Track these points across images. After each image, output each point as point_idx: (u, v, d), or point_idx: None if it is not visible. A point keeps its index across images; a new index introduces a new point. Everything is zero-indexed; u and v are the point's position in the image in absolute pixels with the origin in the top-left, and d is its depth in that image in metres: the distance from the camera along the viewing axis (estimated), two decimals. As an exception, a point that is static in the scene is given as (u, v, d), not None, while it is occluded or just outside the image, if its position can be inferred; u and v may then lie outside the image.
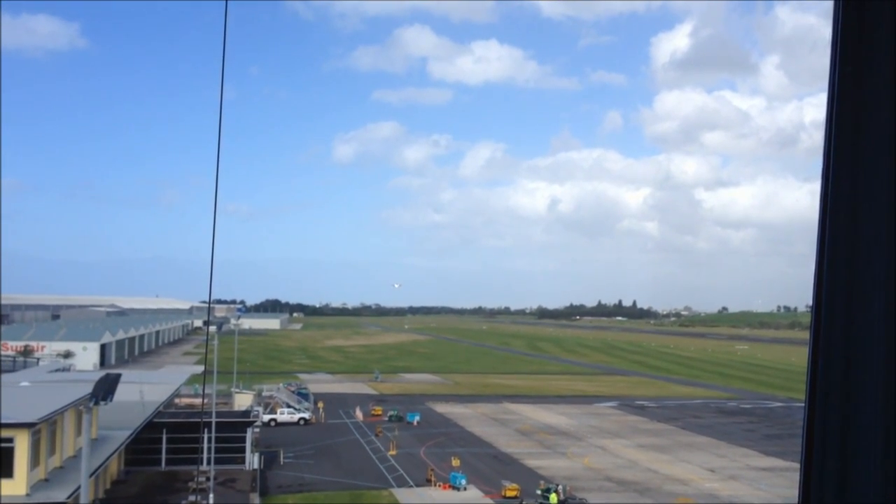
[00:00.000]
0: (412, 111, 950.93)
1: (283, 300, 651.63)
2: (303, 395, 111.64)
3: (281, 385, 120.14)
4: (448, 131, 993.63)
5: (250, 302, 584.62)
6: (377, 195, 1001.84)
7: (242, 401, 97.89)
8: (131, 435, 61.82)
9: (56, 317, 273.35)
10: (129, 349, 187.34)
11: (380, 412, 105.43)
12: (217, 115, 9.66)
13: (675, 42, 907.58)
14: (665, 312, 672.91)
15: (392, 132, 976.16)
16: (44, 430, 47.51)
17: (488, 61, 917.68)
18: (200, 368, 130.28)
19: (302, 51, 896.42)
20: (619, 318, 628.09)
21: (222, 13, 8.67)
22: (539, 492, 61.41)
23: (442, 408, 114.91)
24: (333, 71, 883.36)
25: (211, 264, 9.58)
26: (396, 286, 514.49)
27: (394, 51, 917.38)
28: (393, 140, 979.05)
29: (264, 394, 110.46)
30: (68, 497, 45.04)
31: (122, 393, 47.25)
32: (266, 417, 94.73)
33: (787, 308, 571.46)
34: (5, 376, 72.62)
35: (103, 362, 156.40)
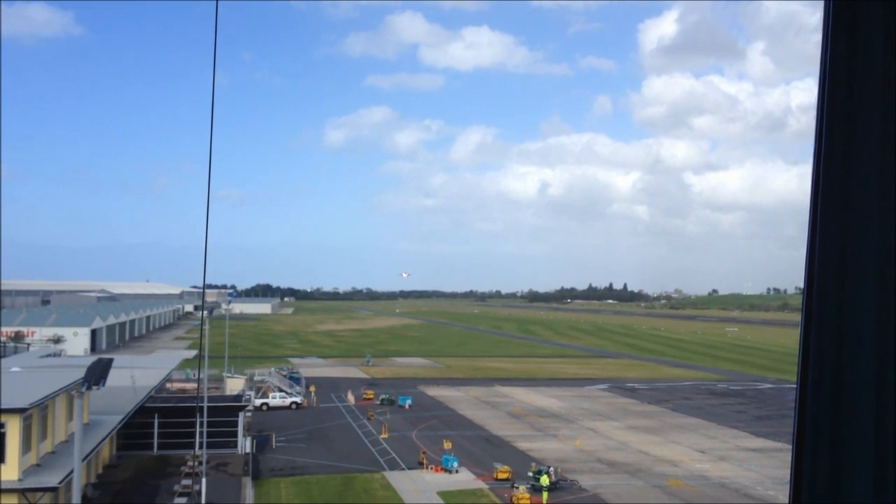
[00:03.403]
0: (404, 97, 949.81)
1: (275, 285, 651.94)
2: (294, 379, 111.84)
3: (273, 369, 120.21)
4: (439, 116, 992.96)
5: (241, 287, 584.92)
6: (369, 180, 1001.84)
7: (234, 385, 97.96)
8: (123, 420, 61.82)
9: (46, 302, 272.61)
10: (120, 334, 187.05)
11: (371, 396, 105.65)
12: (209, 101, 9.64)
13: (663, 28, 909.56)
14: (656, 295, 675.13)
15: (384, 117, 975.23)
16: (35, 415, 47.46)
17: (479, 47, 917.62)
18: (192, 353, 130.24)
19: (294, 37, 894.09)
20: (610, 301, 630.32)
21: (215, 3, 8.66)
22: (530, 474, 61.72)
23: (434, 391, 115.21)
24: (325, 57, 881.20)
25: (205, 249, 9.58)
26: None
27: (386, 37, 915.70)
28: (385, 125, 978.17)
29: (256, 378, 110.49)
30: (60, 482, 45.07)
31: (114, 378, 47.23)
32: (258, 402, 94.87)
33: (776, 290, 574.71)
34: (-4, 362, 72.38)
35: (94, 347, 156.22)
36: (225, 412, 73.32)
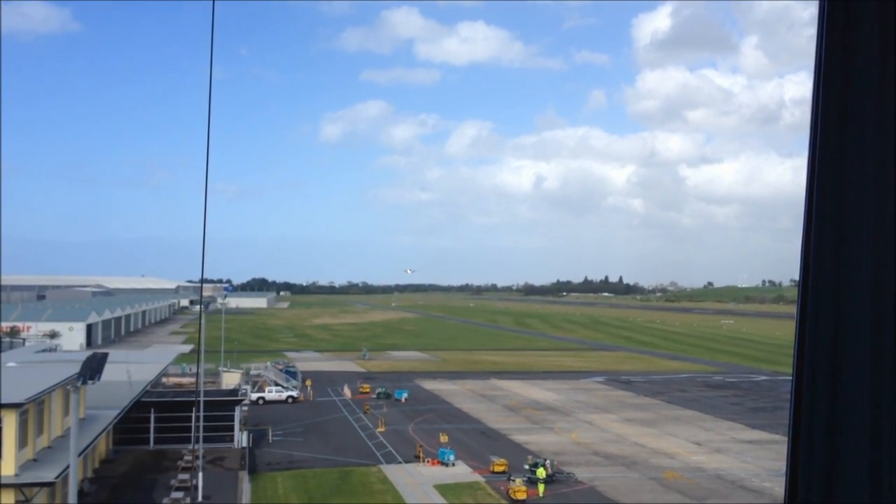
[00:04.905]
0: (400, 91, 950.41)
1: (270, 279, 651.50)
2: (291, 373, 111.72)
3: (269, 363, 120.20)
4: (435, 111, 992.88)
5: (237, 281, 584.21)
6: (364, 174, 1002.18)
7: (230, 379, 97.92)
8: (119, 414, 61.75)
9: (41, 297, 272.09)
10: (116, 329, 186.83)
11: (368, 389, 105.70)
12: (206, 96, 9.66)
13: (657, 23, 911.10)
14: (651, 288, 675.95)
15: (379, 112, 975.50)
16: (31, 410, 47.39)
17: (475, 42, 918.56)
18: (188, 348, 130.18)
19: (290, 33, 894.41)
20: (606, 293, 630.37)
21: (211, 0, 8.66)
22: (527, 466, 61.81)
23: (430, 384, 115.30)
24: (321, 52, 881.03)
25: (203, 244, 9.61)
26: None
27: (381, 32, 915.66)
28: (380, 119, 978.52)
29: (252, 372, 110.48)
30: (57, 477, 45.02)
31: (110, 373, 47.15)
32: (254, 396, 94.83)
33: (771, 283, 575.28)
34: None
35: (90, 342, 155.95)
36: (221, 406, 73.26)
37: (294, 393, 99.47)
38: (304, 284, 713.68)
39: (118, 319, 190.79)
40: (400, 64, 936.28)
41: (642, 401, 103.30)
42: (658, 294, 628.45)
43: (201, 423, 62.21)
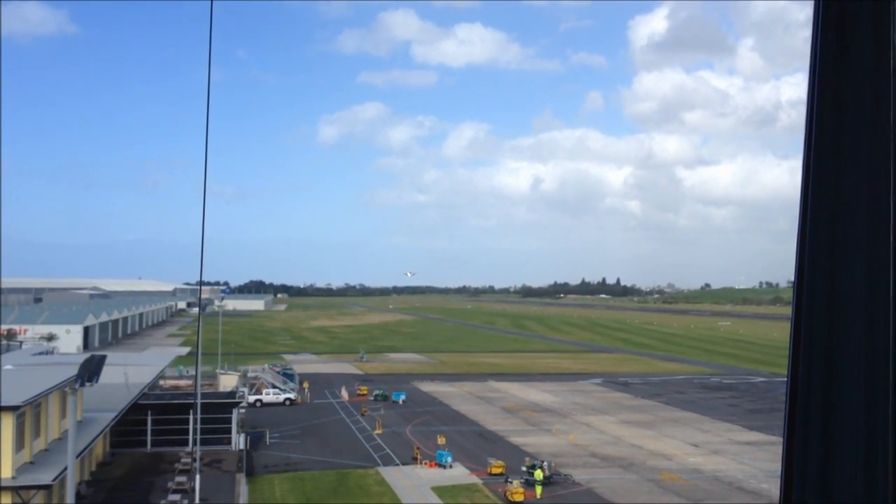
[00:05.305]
0: (397, 93, 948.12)
1: (268, 281, 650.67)
2: (288, 375, 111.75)
3: (266, 366, 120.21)
4: (432, 112, 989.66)
5: (234, 283, 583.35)
6: (362, 176, 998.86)
7: (227, 382, 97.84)
8: (116, 416, 61.69)
9: (38, 300, 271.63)
10: (113, 332, 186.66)
11: (365, 392, 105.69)
12: (204, 98, 9.67)
13: (653, 24, 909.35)
14: (648, 290, 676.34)
15: (377, 114, 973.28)
16: (28, 412, 47.33)
17: (472, 44, 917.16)
18: (185, 350, 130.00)
19: (288, 35, 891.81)
20: (603, 295, 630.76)
21: (209, 2, 8.67)
22: (524, 468, 61.85)
23: (427, 387, 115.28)
24: (319, 54, 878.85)
25: (202, 247, 9.61)
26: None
27: (379, 34, 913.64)
28: (378, 121, 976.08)
29: (249, 375, 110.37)
30: (54, 479, 44.96)
31: (107, 375, 47.13)
32: (251, 398, 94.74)
33: (769, 284, 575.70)
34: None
35: (87, 345, 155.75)
36: (219, 409, 73.22)
37: (291, 395, 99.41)
38: (302, 286, 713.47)
39: (115, 322, 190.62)
40: (397, 66, 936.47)
41: (640, 402, 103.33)
42: (655, 296, 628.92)
43: (199, 426, 62.13)
